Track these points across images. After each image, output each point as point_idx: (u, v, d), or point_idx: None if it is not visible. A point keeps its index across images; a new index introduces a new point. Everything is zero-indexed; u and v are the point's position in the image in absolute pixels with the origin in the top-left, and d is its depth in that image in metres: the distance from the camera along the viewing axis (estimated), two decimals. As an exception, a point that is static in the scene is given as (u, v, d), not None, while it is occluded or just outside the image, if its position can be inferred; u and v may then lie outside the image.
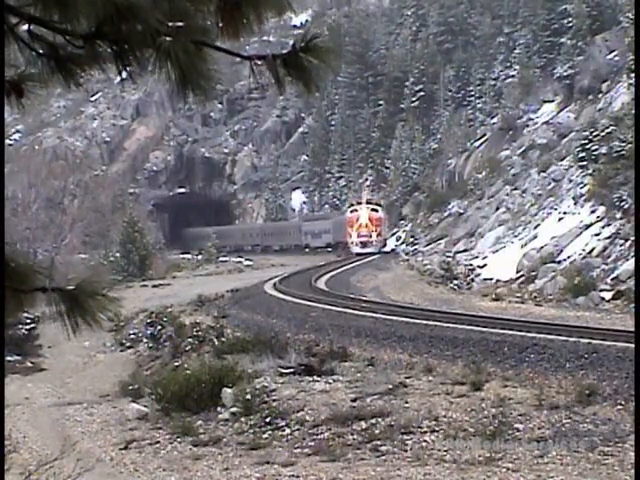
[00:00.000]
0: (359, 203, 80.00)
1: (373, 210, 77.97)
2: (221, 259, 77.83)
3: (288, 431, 15.21)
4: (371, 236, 75.98)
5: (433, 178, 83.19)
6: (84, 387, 25.86)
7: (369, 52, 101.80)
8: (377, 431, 14.20)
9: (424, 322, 24.56)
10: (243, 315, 31.29)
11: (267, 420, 15.73)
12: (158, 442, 16.10)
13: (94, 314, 3.29)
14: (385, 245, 77.20)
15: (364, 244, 75.58)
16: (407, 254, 68.83)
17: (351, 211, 79.67)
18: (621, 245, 40.75)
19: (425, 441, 13.52)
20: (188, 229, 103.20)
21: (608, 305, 35.35)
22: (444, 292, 43.22)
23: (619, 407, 13.71)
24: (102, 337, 31.90)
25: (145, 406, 19.13)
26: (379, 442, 13.75)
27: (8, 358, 27.90)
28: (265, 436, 15.20)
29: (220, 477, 13.29)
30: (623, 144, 44.86)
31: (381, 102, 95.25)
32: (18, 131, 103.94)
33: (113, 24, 3.01)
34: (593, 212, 47.88)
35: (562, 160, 61.41)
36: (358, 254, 72.70)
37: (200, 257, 79.77)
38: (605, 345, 17.98)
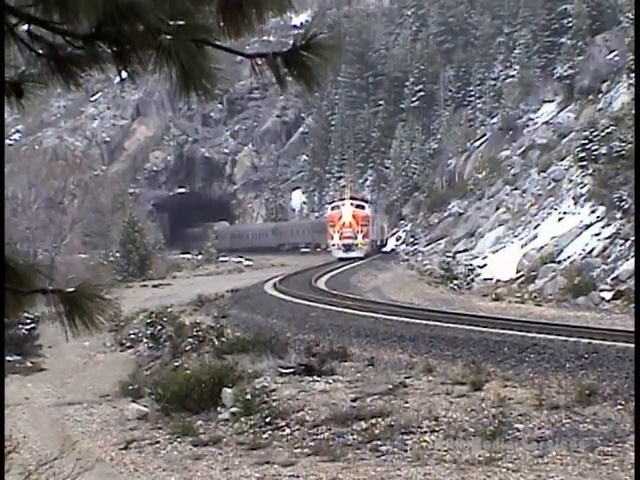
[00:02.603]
0: (342, 199, 70.13)
1: (358, 207, 67.95)
2: (221, 259, 77.83)
3: (288, 431, 15.21)
4: (356, 237, 65.64)
5: (433, 178, 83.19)
6: (84, 387, 25.85)
7: (369, 52, 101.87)
8: (377, 431, 14.20)
9: (424, 322, 24.55)
10: (243, 315, 31.29)
11: (267, 420, 15.73)
12: (158, 442, 16.09)
13: (92, 316, 3.29)
14: (385, 245, 76.42)
15: (348, 247, 65.50)
16: (407, 254, 68.83)
17: (332, 208, 70.04)
18: (621, 245, 40.76)
19: (425, 441, 13.51)
20: (218, 227, 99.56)
21: (608, 305, 35.37)
22: (444, 292, 43.23)
23: (619, 407, 13.71)
24: (102, 337, 31.91)
25: (145, 406, 19.13)
26: (379, 442, 13.75)
27: (8, 358, 27.89)
28: (265, 436, 15.20)
29: (220, 477, 13.28)
30: (623, 144, 44.87)
31: (381, 102, 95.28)
32: (18, 131, 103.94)
33: (114, 24, 3.01)
34: (593, 212, 47.90)
35: (562, 160, 61.43)
36: (341, 259, 62.89)
37: (200, 257, 79.80)
38: (605, 345, 17.97)
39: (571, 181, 56.13)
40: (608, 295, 36.49)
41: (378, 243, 72.63)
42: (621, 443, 12.14)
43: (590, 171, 50.15)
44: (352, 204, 67.71)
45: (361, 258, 63.08)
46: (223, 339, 25.16)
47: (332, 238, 66.79)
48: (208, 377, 18.02)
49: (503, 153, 73.51)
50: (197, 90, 3.11)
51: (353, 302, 32.59)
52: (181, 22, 3.01)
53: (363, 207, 68.60)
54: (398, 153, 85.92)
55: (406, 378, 17.43)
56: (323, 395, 16.88)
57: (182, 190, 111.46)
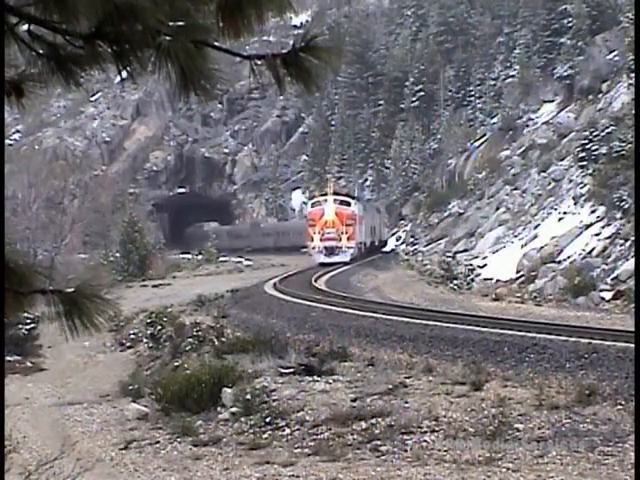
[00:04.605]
0: (324, 194, 61.00)
1: (343, 203, 58.87)
2: (221, 259, 77.77)
3: (288, 431, 15.21)
4: (340, 239, 56.73)
5: (433, 178, 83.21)
6: (84, 387, 25.85)
7: (369, 52, 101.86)
8: (377, 431, 14.20)
9: (424, 322, 24.54)
10: (243, 315, 31.27)
11: (267, 420, 15.73)
12: (158, 442, 16.10)
13: (92, 316, 3.29)
14: (385, 245, 75.99)
15: (330, 250, 56.61)
16: (407, 254, 68.77)
17: (312, 205, 60.83)
18: (621, 245, 40.78)
19: (425, 441, 13.51)
20: (265, 225, 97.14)
21: (608, 305, 35.42)
22: (444, 292, 43.23)
23: (619, 407, 13.71)
24: (102, 337, 31.89)
25: (145, 406, 19.13)
26: (379, 442, 13.75)
27: (8, 358, 27.90)
28: (265, 436, 15.21)
29: (220, 477, 13.29)
30: (623, 144, 44.93)
31: (381, 102, 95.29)
32: (18, 131, 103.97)
33: (113, 24, 3.01)
34: (593, 212, 47.93)
35: (562, 160, 61.48)
36: (322, 264, 54.87)
37: (200, 257, 79.77)
38: (605, 345, 17.96)
39: (571, 181, 56.16)
40: (608, 295, 36.53)
41: (368, 245, 64.58)
42: (621, 443, 12.14)
43: (590, 171, 50.21)
44: (335, 200, 58.53)
45: (346, 263, 55.52)
46: (223, 339, 25.15)
47: (312, 240, 57.39)
48: (208, 377, 18.02)
49: (503, 153, 73.52)
50: (196, 90, 3.11)
51: (353, 302, 32.57)
52: (180, 23, 3.01)
53: (348, 204, 59.20)
54: (398, 153, 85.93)
55: (406, 378, 17.43)
56: (323, 395, 16.88)
57: (182, 190, 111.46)
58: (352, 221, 57.74)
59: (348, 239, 57.03)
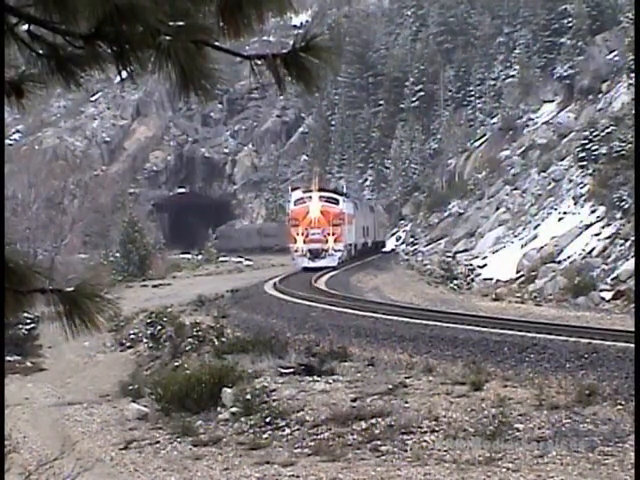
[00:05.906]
0: (308, 191, 53.66)
1: (329, 201, 52.26)
2: (221, 259, 77.76)
3: (288, 431, 15.21)
4: (326, 240, 50.83)
5: (433, 178, 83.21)
6: (84, 387, 25.85)
7: (369, 52, 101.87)
8: (377, 431, 14.20)
9: (424, 322, 24.53)
10: (243, 315, 31.26)
11: (267, 420, 15.73)
12: (158, 442, 16.10)
13: (92, 316, 3.29)
14: (383, 246, 75.74)
15: (315, 253, 50.83)
16: (407, 254, 68.75)
17: (295, 202, 53.27)
18: (621, 245, 40.78)
19: (425, 441, 13.51)
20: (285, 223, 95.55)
21: (608, 305, 35.43)
22: (444, 292, 43.24)
23: (619, 407, 13.71)
24: (102, 337, 31.90)
25: (145, 406, 19.13)
26: (379, 442, 13.75)
27: (8, 358, 27.90)
28: (265, 436, 15.20)
29: (220, 477, 13.29)
30: (623, 144, 44.93)
31: (381, 102, 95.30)
32: (18, 131, 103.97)
33: (113, 24, 3.01)
34: (593, 212, 47.95)
35: (562, 160, 61.50)
36: (306, 269, 49.54)
37: (200, 257, 79.79)
38: (605, 345, 17.95)
39: (571, 181, 56.17)
40: (608, 295, 36.55)
41: (359, 247, 58.90)
42: (621, 443, 12.14)
43: (590, 171, 50.23)
44: (321, 198, 52.00)
45: (334, 268, 50.19)
46: (223, 339, 25.14)
47: (295, 242, 51.35)
48: (208, 377, 18.02)
49: (503, 153, 73.53)
50: (196, 90, 3.11)
51: (353, 302, 32.55)
52: (181, 23, 3.02)
53: (336, 201, 52.59)
54: (398, 153, 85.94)
55: (406, 378, 17.42)
56: (323, 395, 16.87)
57: (182, 190, 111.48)
58: (340, 221, 51.80)
59: (335, 241, 51.27)
